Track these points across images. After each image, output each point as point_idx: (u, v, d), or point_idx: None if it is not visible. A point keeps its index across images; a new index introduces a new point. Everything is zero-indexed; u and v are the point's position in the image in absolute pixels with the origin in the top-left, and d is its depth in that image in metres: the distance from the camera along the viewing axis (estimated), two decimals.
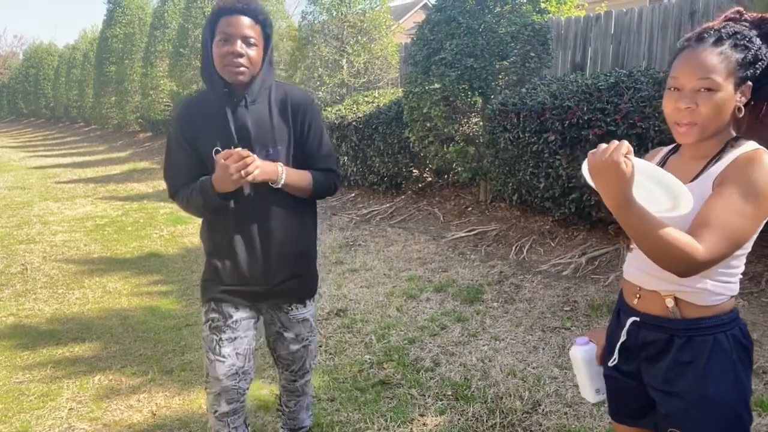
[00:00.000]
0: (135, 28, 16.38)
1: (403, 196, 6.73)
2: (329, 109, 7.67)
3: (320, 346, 3.28)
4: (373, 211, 6.54)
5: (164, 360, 3.25)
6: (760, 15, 1.24)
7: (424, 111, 5.51)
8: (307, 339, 2.09)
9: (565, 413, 2.51)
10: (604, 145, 1.10)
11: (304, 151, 1.90)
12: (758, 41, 1.21)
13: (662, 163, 1.37)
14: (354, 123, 6.91)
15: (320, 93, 8.38)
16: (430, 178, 6.86)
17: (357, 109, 7.06)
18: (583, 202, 4.30)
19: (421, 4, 25.78)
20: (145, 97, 14.55)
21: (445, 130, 5.57)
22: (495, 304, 3.79)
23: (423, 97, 5.49)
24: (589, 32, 6.38)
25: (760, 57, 1.20)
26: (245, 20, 1.74)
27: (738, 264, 1.26)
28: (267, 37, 1.82)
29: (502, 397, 2.65)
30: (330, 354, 3.21)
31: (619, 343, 1.39)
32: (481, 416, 2.52)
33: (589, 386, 1.54)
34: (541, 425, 2.44)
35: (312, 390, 2.31)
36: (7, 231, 6.55)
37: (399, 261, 4.79)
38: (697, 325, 1.26)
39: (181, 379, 3.02)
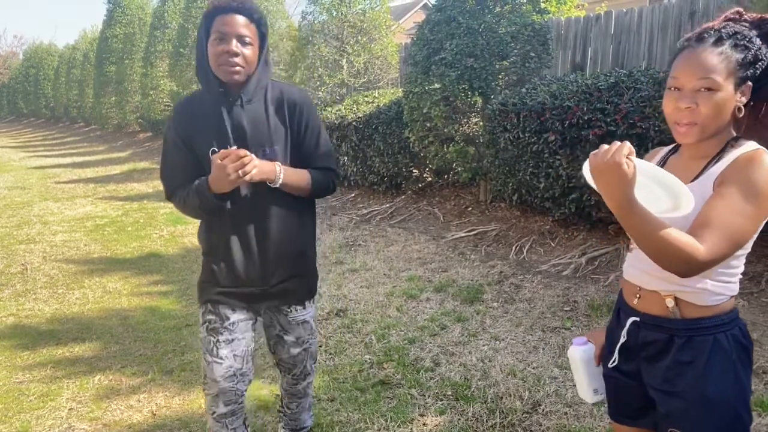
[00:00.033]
0: (135, 28, 16.38)
1: (403, 196, 6.73)
2: (329, 109, 7.67)
3: (320, 346, 3.28)
4: (373, 211, 6.54)
5: (164, 360, 3.25)
6: (759, 15, 1.24)
7: (424, 111, 5.51)
8: (308, 342, 2.07)
9: (565, 413, 2.51)
10: (605, 146, 1.10)
11: (302, 150, 1.88)
12: (758, 41, 1.21)
13: (662, 163, 1.37)
14: (354, 123, 6.91)
15: (320, 93, 8.38)
16: (430, 178, 6.86)
17: (357, 109, 7.06)
18: (583, 202, 4.30)
19: (421, 4, 25.78)
20: (145, 97, 14.55)
21: (445, 130, 5.57)
22: (495, 304, 3.79)
23: (423, 97, 5.49)
24: (589, 32, 6.38)
25: (760, 57, 1.20)
26: (240, 19, 1.72)
27: (738, 264, 1.27)
28: (262, 36, 1.80)
29: (502, 397, 2.65)
30: (330, 354, 3.21)
31: (620, 344, 1.39)
32: (481, 416, 2.52)
33: (587, 386, 1.54)
34: (541, 425, 2.44)
35: (312, 390, 2.31)
36: (7, 231, 6.55)
37: (399, 261, 4.79)
38: (697, 325, 1.26)
39: (181, 379, 3.02)
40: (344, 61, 8.45)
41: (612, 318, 1.49)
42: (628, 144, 1.08)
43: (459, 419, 2.52)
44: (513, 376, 2.85)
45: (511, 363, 2.99)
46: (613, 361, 1.41)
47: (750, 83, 1.21)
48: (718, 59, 1.19)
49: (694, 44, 1.23)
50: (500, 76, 5.40)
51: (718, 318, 1.26)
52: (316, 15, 8.61)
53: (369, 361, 3.10)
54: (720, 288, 1.26)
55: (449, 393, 2.73)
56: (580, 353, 1.53)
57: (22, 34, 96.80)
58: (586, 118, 4.06)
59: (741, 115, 1.23)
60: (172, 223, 6.72)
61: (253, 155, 1.69)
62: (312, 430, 2.37)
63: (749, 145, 1.22)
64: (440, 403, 2.66)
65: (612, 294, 3.72)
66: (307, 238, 1.98)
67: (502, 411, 2.54)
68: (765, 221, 1.19)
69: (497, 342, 3.25)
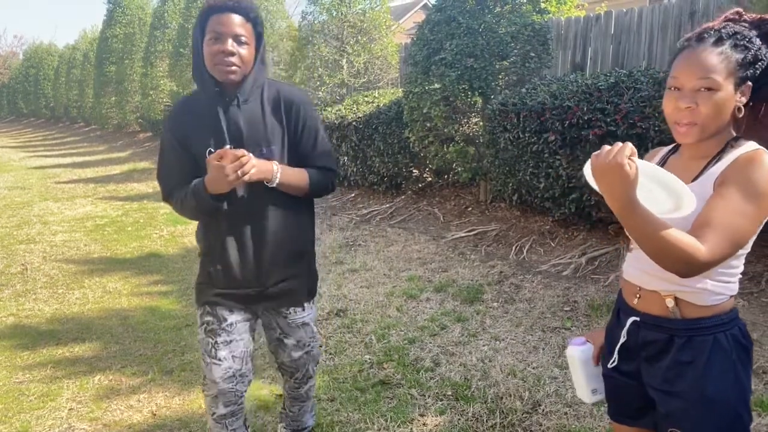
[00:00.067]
0: (135, 28, 16.38)
1: (403, 196, 6.73)
2: (329, 109, 7.67)
3: (320, 347, 3.28)
4: (373, 211, 6.54)
5: (164, 360, 3.25)
6: (759, 16, 1.24)
7: (424, 111, 5.51)
8: (309, 345, 2.05)
9: (565, 413, 2.51)
10: (607, 147, 1.10)
11: (299, 149, 1.86)
12: (758, 41, 1.21)
13: (662, 163, 1.37)
14: (354, 123, 6.91)
15: (320, 93, 8.38)
16: (430, 178, 6.86)
17: (357, 109, 7.06)
18: (583, 202, 4.30)
19: (421, 4, 25.78)
20: (145, 97, 14.55)
21: (445, 130, 5.57)
22: (495, 304, 3.79)
23: (423, 97, 5.49)
24: (589, 32, 6.38)
25: (760, 57, 1.20)
26: (236, 18, 1.70)
27: (738, 264, 1.27)
28: (258, 36, 1.78)
29: (502, 397, 2.65)
30: (330, 354, 3.20)
31: (619, 344, 1.39)
32: (481, 416, 2.52)
33: (585, 387, 1.54)
34: (541, 425, 2.44)
35: (314, 392, 2.31)
36: (7, 231, 6.55)
37: (399, 261, 4.79)
38: (697, 325, 1.26)
39: (181, 379, 3.02)
40: (344, 61, 8.45)
41: (611, 318, 1.49)
42: (630, 145, 1.08)
43: (459, 419, 2.52)
44: (513, 376, 2.85)
45: (511, 363, 2.99)
46: (613, 361, 1.41)
47: (750, 83, 1.21)
48: (718, 59, 1.19)
49: (694, 44, 1.23)
50: (500, 76, 5.40)
51: (717, 318, 1.26)
52: (316, 15, 8.61)
53: (369, 361, 3.10)
54: (720, 288, 1.26)
55: (449, 393, 2.73)
56: (579, 353, 1.53)
57: (22, 34, 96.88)
58: (586, 118, 4.06)
59: (741, 115, 1.23)
60: (172, 223, 6.72)
61: (250, 154, 1.68)
62: (312, 430, 2.37)
63: (749, 145, 1.22)
64: (440, 403, 2.66)
65: (612, 294, 3.72)
66: (305, 238, 1.96)
67: (502, 411, 2.55)
68: (765, 221, 1.19)
69: (497, 342, 3.25)
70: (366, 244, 5.39)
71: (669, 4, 5.65)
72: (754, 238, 1.21)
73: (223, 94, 1.77)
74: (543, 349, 3.12)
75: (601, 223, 4.45)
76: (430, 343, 3.28)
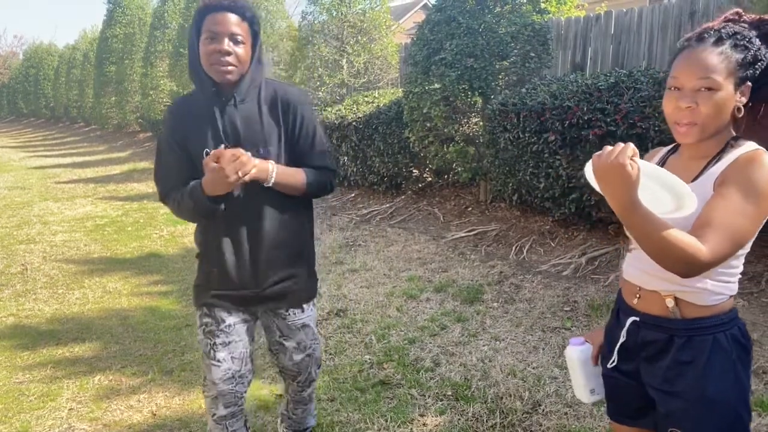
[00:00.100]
0: (135, 28, 16.38)
1: (403, 196, 6.73)
2: (329, 109, 7.67)
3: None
4: (373, 211, 6.54)
5: (164, 360, 3.25)
6: (759, 16, 1.24)
7: (424, 111, 5.51)
8: (311, 347, 2.02)
9: (566, 413, 2.51)
10: (609, 148, 1.10)
11: (297, 149, 1.84)
12: (758, 42, 1.21)
13: (662, 163, 1.38)
14: (354, 123, 6.91)
15: (320, 93, 8.38)
16: (430, 178, 6.86)
17: (357, 109, 7.06)
18: (583, 202, 4.30)
19: (421, 4, 25.78)
20: (145, 97, 14.55)
21: (445, 130, 5.57)
22: (495, 304, 3.79)
23: (423, 97, 5.49)
24: (589, 32, 6.38)
25: (760, 57, 1.20)
26: (232, 17, 1.68)
27: (738, 264, 1.27)
28: (255, 35, 1.76)
29: (502, 398, 2.65)
30: (330, 354, 3.20)
31: (619, 344, 1.39)
32: (481, 416, 2.52)
33: (584, 386, 1.54)
34: (541, 425, 2.44)
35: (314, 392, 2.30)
36: (7, 231, 6.55)
37: (399, 261, 4.79)
38: (697, 325, 1.27)
39: (181, 379, 3.02)
40: (344, 61, 8.45)
41: (611, 318, 1.49)
42: (631, 145, 1.08)
43: (459, 419, 2.52)
44: (513, 376, 2.85)
45: (511, 363, 2.99)
46: (613, 361, 1.41)
47: (749, 83, 1.21)
48: (719, 59, 1.19)
49: (694, 44, 1.23)
50: (500, 76, 5.40)
51: (717, 318, 1.26)
52: (316, 15, 8.61)
53: (369, 361, 3.10)
54: (720, 288, 1.26)
55: (449, 393, 2.73)
56: (578, 353, 1.54)
57: (22, 34, 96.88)
58: (586, 118, 4.06)
59: (740, 116, 1.23)
60: (172, 223, 6.72)
61: (249, 153, 1.67)
62: (313, 430, 2.37)
63: (749, 145, 1.22)
64: (440, 403, 2.66)
65: (612, 294, 3.72)
66: (303, 239, 1.94)
67: (503, 411, 2.55)
68: (765, 221, 1.20)
69: (497, 342, 3.25)
70: (366, 244, 5.39)
71: (669, 4, 5.65)
72: (753, 238, 1.21)
73: (220, 94, 1.76)
74: (543, 349, 3.12)
75: (601, 223, 4.45)
76: (430, 343, 3.28)
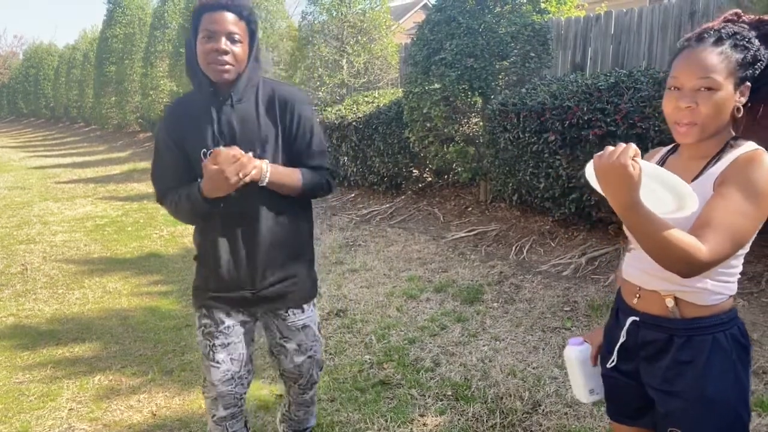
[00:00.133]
0: (135, 28, 16.39)
1: (403, 197, 6.73)
2: (329, 109, 7.67)
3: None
4: (373, 211, 6.54)
5: (164, 360, 3.25)
6: (758, 17, 1.24)
7: (424, 111, 5.51)
8: (312, 349, 1.99)
9: (566, 413, 2.51)
10: (610, 148, 1.09)
11: (294, 148, 1.82)
12: (757, 42, 1.21)
13: (661, 164, 1.38)
14: (354, 123, 6.91)
15: (320, 93, 8.38)
16: (430, 179, 6.86)
17: (357, 109, 7.06)
18: (583, 202, 4.30)
19: (421, 4, 25.78)
20: (145, 97, 14.56)
21: (445, 130, 5.57)
22: (495, 304, 3.79)
23: (423, 97, 5.49)
24: (589, 32, 6.38)
25: (759, 58, 1.21)
26: (229, 16, 1.67)
27: (737, 264, 1.27)
28: (252, 33, 1.74)
29: (502, 398, 2.65)
30: (330, 354, 3.20)
31: (619, 344, 1.39)
32: (481, 416, 2.52)
33: (583, 387, 1.54)
34: (541, 425, 2.44)
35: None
36: (7, 231, 6.55)
37: (399, 261, 4.79)
38: (697, 325, 1.27)
39: (181, 379, 3.02)
40: (344, 61, 8.45)
41: (610, 318, 1.49)
42: (633, 146, 1.08)
43: (459, 419, 2.52)
44: (513, 376, 2.85)
45: (511, 363, 2.99)
46: (612, 361, 1.42)
47: (748, 84, 1.21)
48: (719, 59, 1.19)
49: (694, 44, 1.23)
50: (500, 76, 5.40)
51: (717, 317, 1.26)
52: (316, 15, 8.61)
53: (369, 361, 3.10)
54: (719, 288, 1.26)
55: (449, 393, 2.73)
56: (576, 353, 1.54)
57: (22, 34, 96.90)
58: (586, 118, 4.06)
59: (740, 116, 1.23)
60: (172, 223, 6.72)
61: (249, 154, 1.66)
62: (312, 430, 2.37)
63: (748, 146, 1.22)
64: (440, 403, 2.66)
65: (612, 294, 3.72)
66: (301, 239, 1.92)
67: (503, 411, 2.55)
68: (764, 220, 1.20)
69: (497, 342, 3.25)
70: (366, 244, 5.39)
71: (669, 4, 5.65)
72: (753, 237, 1.21)
73: (217, 93, 1.74)
74: (543, 349, 3.12)
75: (601, 223, 4.45)
76: (430, 343, 3.28)
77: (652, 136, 3.76)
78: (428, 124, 5.62)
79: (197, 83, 1.75)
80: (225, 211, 1.77)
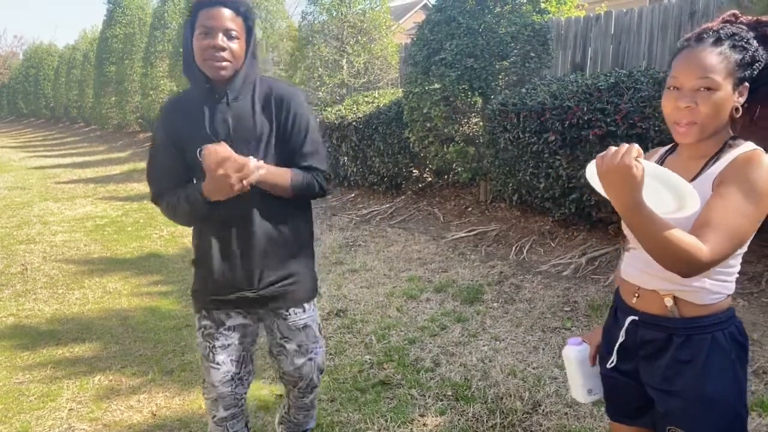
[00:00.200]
0: (135, 28, 16.39)
1: (403, 197, 6.73)
2: (329, 109, 7.68)
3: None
4: (373, 211, 6.54)
5: (164, 360, 3.25)
6: (756, 18, 1.25)
7: (424, 111, 5.51)
8: (312, 350, 1.97)
9: (566, 413, 2.51)
10: (613, 149, 1.09)
11: (289, 146, 1.79)
12: (755, 43, 1.22)
13: (660, 164, 1.38)
14: (354, 123, 6.91)
15: (320, 93, 8.39)
16: (430, 179, 6.86)
17: (357, 109, 7.06)
18: (583, 202, 4.30)
19: (421, 4, 25.79)
20: (145, 97, 14.56)
21: (445, 130, 5.58)
22: (495, 304, 3.79)
23: (423, 97, 5.50)
24: (589, 32, 6.38)
25: (757, 58, 1.21)
26: (226, 12, 1.65)
27: (735, 263, 1.28)
28: (249, 30, 1.73)
29: (502, 398, 2.65)
30: (330, 354, 3.20)
31: (618, 343, 1.39)
32: (481, 417, 2.52)
33: (581, 387, 1.55)
34: (541, 425, 2.45)
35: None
36: (7, 231, 6.55)
37: (399, 261, 4.79)
38: (696, 324, 1.27)
39: (181, 379, 3.02)
40: (344, 61, 8.45)
41: (609, 318, 1.49)
42: (636, 146, 1.07)
43: (459, 419, 2.52)
44: (513, 376, 2.85)
45: (511, 363, 2.99)
46: (612, 361, 1.42)
47: (747, 84, 1.22)
48: (718, 59, 1.19)
49: (694, 44, 1.23)
50: (500, 76, 5.40)
51: (715, 317, 1.27)
52: (316, 15, 8.62)
53: (369, 361, 3.10)
54: (718, 287, 1.27)
55: (449, 393, 2.74)
56: (575, 353, 1.54)
57: (22, 34, 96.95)
58: (586, 118, 4.06)
59: (738, 116, 1.23)
60: (172, 223, 6.67)
61: (251, 157, 1.65)
62: (312, 431, 2.37)
63: (747, 146, 1.23)
64: (440, 403, 2.66)
65: (612, 294, 3.72)
66: (300, 238, 1.90)
67: (503, 411, 2.55)
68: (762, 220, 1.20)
69: (497, 342, 3.25)
70: (366, 244, 5.39)
71: (669, 4, 5.65)
72: (752, 237, 1.22)
73: (214, 90, 1.73)
74: (543, 349, 3.12)
75: (601, 223, 4.45)
76: (430, 343, 3.28)
77: (652, 136, 3.76)
78: (428, 124, 5.62)
79: (194, 80, 1.74)
80: (219, 212, 1.75)
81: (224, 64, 1.67)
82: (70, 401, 2.84)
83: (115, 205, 7.98)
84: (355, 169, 7.16)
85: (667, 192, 1.16)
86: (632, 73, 4.20)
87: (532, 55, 5.38)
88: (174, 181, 1.78)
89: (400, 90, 6.88)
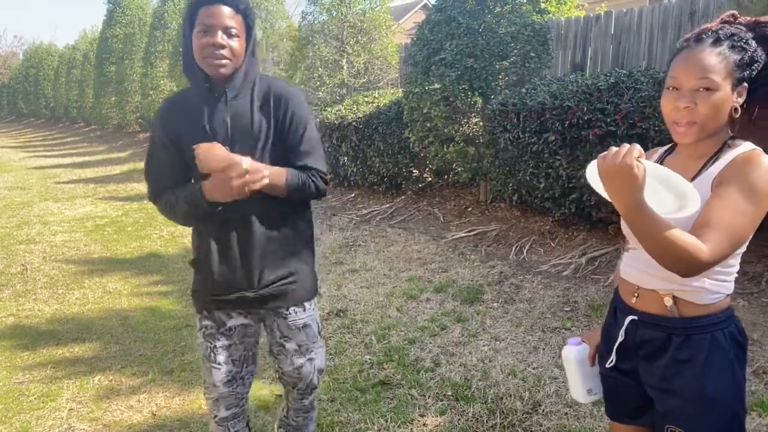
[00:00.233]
0: (135, 28, 16.40)
1: (403, 197, 6.73)
2: (329, 109, 7.68)
3: None
4: (373, 211, 6.54)
5: (164, 360, 3.25)
6: (754, 19, 1.25)
7: (424, 111, 5.51)
8: (312, 351, 1.95)
9: (566, 413, 2.51)
10: (614, 149, 1.09)
11: (286, 145, 1.77)
12: (754, 43, 1.22)
13: (659, 164, 1.38)
14: (354, 123, 6.91)
15: (320, 93, 8.39)
16: (430, 179, 6.86)
17: (357, 109, 7.06)
18: (583, 202, 4.30)
19: (421, 4, 25.79)
20: (145, 97, 14.57)
21: (445, 130, 5.58)
22: (495, 304, 3.79)
23: (423, 97, 5.50)
24: (589, 32, 6.38)
25: (756, 59, 1.21)
26: (225, 10, 1.64)
27: (735, 263, 1.28)
28: (249, 28, 1.72)
29: (502, 398, 2.65)
30: (330, 354, 3.20)
31: (617, 343, 1.39)
32: (481, 417, 2.52)
33: (580, 386, 1.55)
34: (541, 425, 2.45)
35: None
36: (7, 231, 6.55)
37: (399, 261, 4.80)
38: (695, 324, 1.27)
39: (181, 379, 3.02)
40: (344, 61, 8.45)
41: (608, 317, 1.49)
42: (637, 146, 1.08)
43: (459, 419, 2.52)
44: (513, 376, 2.85)
45: (511, 363, 2.99)
46: (611, 361, 1.42)
47: (746, 84, 1.22)
48: (717, 59, 1.19)
49: (693, 45, 1.24)
50: (500, 76, 5.40)
51: (715, 316, 1.27)
52: (316, 15, 8.62)
53: (369, 361, 3.10)
54: (717, 287, 1.27)
55: (449, 393, 2.74)
56: (575, 353, 1.54)
57: (22, 34, 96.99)
58: (586, 118, 4.06)
59: (737, 116, 1.24)
60: (172, 223, 6.69)
61: (251, 159, 1.65)
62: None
63: (746, 146, 1.23)
64: (440, 403, 2.66)
65: (612, 294, 3.72)
66: (299, 238, 1.89)
67: (503, 411, 2.55)
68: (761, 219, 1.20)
69: (497, 342, 3.25)
70: (366, 244, 5.39)
71: (669, 4, 5.65)
72: (751, 236, 1.22)
73: (213, 89, 1.72)
74: (543, 349, 3.12)
75: (601, 223, 4.45)
76: (430, 343, 3.28)
77: (652, 136, 3.76)
78: (428, 124, 5.62)
79: (193, 78, 1.73)
80: (218, 212, 1.74)
81: (224, 62, 1.66)
82: (70, 401, 2.84)
83: (115, 205, 7.98)
84: (355, 169, 7.16)
85: (667, 192, 1.17)
86: (632, 73, 4.20)
87: (532, 55, 5.38)
88: (172, 180, 1.78)
89: (400, 90, 6.88)
